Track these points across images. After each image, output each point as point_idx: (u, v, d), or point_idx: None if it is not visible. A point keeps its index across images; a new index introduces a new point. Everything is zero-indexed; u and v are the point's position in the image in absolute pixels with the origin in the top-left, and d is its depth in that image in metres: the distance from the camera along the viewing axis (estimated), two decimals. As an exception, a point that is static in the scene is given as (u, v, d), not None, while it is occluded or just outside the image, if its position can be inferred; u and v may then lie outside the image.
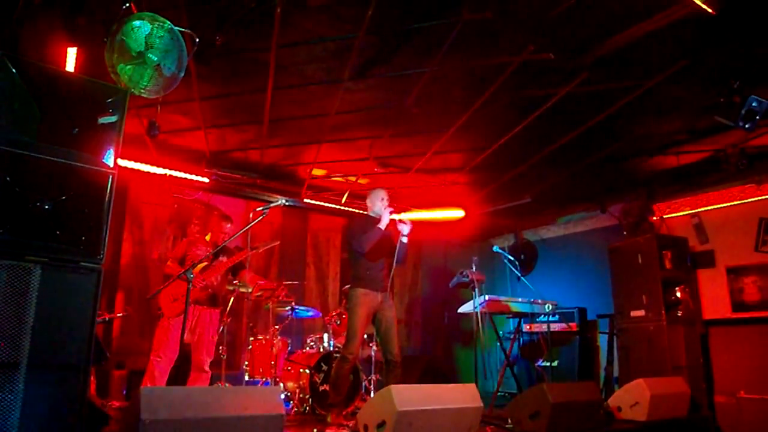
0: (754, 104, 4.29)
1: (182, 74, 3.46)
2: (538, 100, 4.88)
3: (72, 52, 3.70)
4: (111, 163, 2.61)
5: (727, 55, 4.18)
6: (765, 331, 5.92)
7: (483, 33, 3.96)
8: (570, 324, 7.35)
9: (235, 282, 5.33)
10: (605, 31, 3.94)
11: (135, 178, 6.38)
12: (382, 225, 4.38)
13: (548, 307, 6.18)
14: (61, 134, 2.49)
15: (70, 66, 3.73)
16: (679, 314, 6.09)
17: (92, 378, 4.57)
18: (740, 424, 5.76)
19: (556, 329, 7.41)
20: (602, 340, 7.23)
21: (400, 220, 4.43)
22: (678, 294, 6.15)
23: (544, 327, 7.26)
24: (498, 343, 6.52)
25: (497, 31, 3.96)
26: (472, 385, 3.52)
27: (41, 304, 2.26)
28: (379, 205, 4.60)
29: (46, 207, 2.37)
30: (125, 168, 6.02)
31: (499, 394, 6.07)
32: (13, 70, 2.39)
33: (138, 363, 5.71)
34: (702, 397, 5.76)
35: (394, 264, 4.51)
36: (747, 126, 4.38)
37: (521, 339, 7.58)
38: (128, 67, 3.24)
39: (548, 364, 7.30)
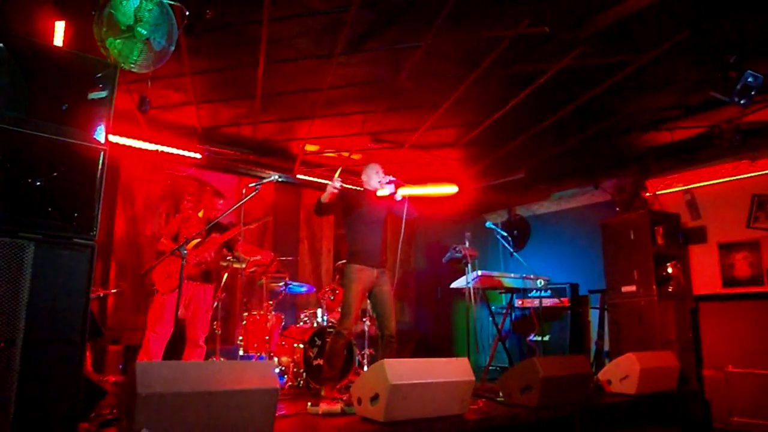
0: (749, 79, 4.27)
1: (173, 48, 3.41)
2: (532, 75, 4.85)
3: (60, 26, 3.64)
4: (102, 139, 2.59)
5: (723, 29, 4.15)
6: (754, 306, 5.99)
7: (477, 7, 3.92)
8: (562, 299, 7.42)
9: (229, 257, 5.33)
10: (601, 5, 3.90)
11: (126, 154, 6.33)
12: (324, 197, 4.29)
13: (540, 283, 6.23)
14: (50, 110, 2.46)
15: (58, 40, 3.67)
16: (670, 289, 6.15)
17: (88, 353, 4.59)
18: (728, 397, 5.86)
19: (548, 304, 7.47)
20: (593, 315, 7.31)
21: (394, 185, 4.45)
22: (669, 269, 6.20)
23: (536, 302, 7.33)
24: (490, 318, 6.59)
25: (491, 5, 3.92)
26: (465, 359, 3.56)
27: (35, 281, 2.26)
28: (374, 178, 4.60)
29: (38, 183, 2.36)
30: (116, 144, 5.97)
31: (491, 367, 6.14)
32: (1, 45, 2.35)
33: (133, 338, 5.74)
34: (691, 371, 5.85)
35: (402, 230, 4.51)
36: (742, 101, 4.36)
37: (513, 314, 7.65)
38: (117, 41, 3.19)
39: (540, 338, 7.38)
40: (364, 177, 4.72)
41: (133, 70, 3.37)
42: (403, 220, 4.48)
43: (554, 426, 3.77)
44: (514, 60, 4.62)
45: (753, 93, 4.33)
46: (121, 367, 5.74)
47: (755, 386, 5.72)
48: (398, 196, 4.46)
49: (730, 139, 5.76)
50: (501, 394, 4.10)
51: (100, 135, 2.58)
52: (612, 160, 7.19)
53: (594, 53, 4.45)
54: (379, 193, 4.56)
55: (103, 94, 2.62)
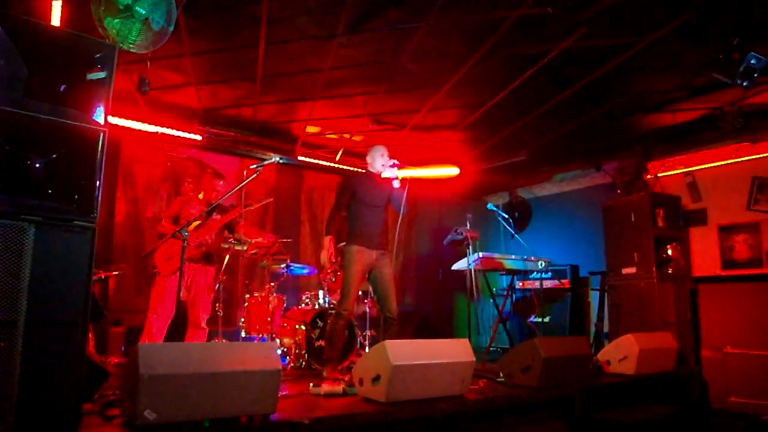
0: (752, 61, 4.23)
1: (171, 28, 3.38)
2: (534, 56, 4.81)
3: (57, 6, 3.61)
4: (101, 121, 2.57)
5: (727, 11, 4.10)
6: (753, 288, 6.01)
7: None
8: (562, 281, 7.45)
9: (230, 239, 5.34)
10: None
11: (126, 136, 6.31)
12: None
13: (541, 265, 6.24)
14: (49, 91, 2.44)
15: (56, 21, 3.64)
16: (670, 271, 6.17)
17: (90, 335, 4.62)
18: (725, 378, 5.91)
19: (549, 286, 7.51)
20: (593, 297, 7.34)
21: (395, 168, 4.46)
22: (669, 252, 6.22)
23: (537, 284, 7.36)
24: (491, 300, 6.60)
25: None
26: (465, 340, 3.58)
27: (36, 263, 2.26)
28: (379, 161, 4.60)
29: (38, 166, 2.35)
30: (116, 126, 5.95)
31: (491, 348, 6.18)
32: (-2, 25, 2.33)
33: (135, 320, 5.77)
34: (689, 352, 5.89)
35: (401, 214, 4.53)
36: (745, 83, 4.34)
37: (514, 295, 7.69)
38: (116, 21, 3.17)
39: (540, 319, 7.43)
40: (368, 159, 4.71)
41: (132, 50, 3.34)
42: (403, 205, 4.48)
43: (554, 406, 3.80)
44: (517, 41, 4.58)
45: (756, 75, 4.29)
46: (123, 348, 5.78)
47: (753, 367, 5.76)
48: (396, 183, 4.45)
49: (732, 121, 5.74)
50: (501, 374, 4.13)
51: (100, 116, 2.57)
52: (614, 142, 7.16)
53: (597, 34, 4.40)
54: (384, 175, 4.57)
55: (102, 75, 2.60)
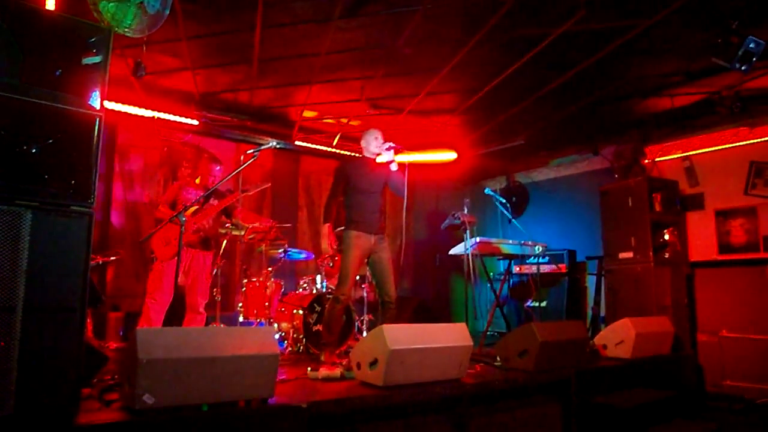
0: (751, 45, 4.22)
1: (167, 12, 3.35)
2: (533, 39, 4.78)
3: (51, -11, 3.56)
4: (97, 105, 2.55)
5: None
6: (748, 272, 6.04)
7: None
8: (559, 265, 7.47)
9: (227, 225, 5.34)
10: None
11: (123, 120, 6.28)
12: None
13: (538, 249, 6.26)
14: (44, 76, 2.42)
15: (50, 4, 3.60)
16: (667, 256, 6.19)
17: (89, 320, 4.63)
18: (721, 362, 5.97)
19: (546, 270, 7.53)
20: (590, 281, 7.37)
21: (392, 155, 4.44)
22: (666, 236, 6.24)
23: (534, 268, 7.38)
24: (488, 284, 6.62)
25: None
26: (463, 325, 3.59)
27: (34, 249, 2.26)
28: (373, 144, 4.57)
29: (33, 151, 2.34)
30: (112, 110, 5.92)
31: (488, 333, 6.20)
32: (-9, 8, 2.30)
33: (133, 305, 5.79)
34: (685, 336, 5.94)
35: (404, 199, 4.52)
36: (743, 67, 4.32)
37: (511, 280, 7.72)
38: (111, 4, 3.13)
39: (537, 304, 7.46)
40: (363, 143, 4.68)
41: (127, 34, 3.31)
42: (405, 189, 4.46)
43: (550, 389, 3.84)
44: (515, 25, 4.55)
45: (754, 59, 4.28)
46: (121, 333, 5.80)
47: (748, 351, 5.81)
48: (394, 166, 4.43)
49: (730, 105, 5.72)
50: (498, 358, 4.16)
51: (96, 101, 2.55)
52: (612, 126, 7.15)
53: (595, 18, 4.37)
54: (379, 159, 4.55)
55: (97, 59, 2.58)
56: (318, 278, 6.01)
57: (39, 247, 2.27)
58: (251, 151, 4.01)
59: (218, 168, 5.14)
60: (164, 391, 2.35)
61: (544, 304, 7.51)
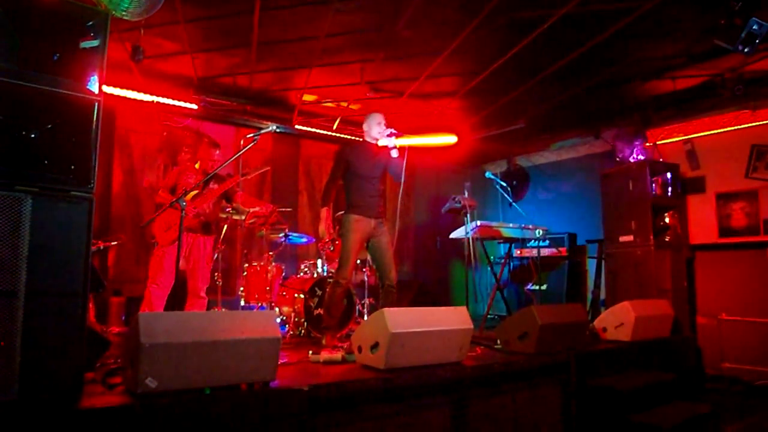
0: (754, 27, 4.17)
1: (165, -5, 3.32)
2: (534, 22, 4.74)
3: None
4: (96, 90, 2.54)
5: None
6: (748, 255, 6.06)
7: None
8: (560, 249, 7.48)
9: (228, 209, 5.34)
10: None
11: (122, 105, 6.25)
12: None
13: (539, 233, 6.26)
14: (42, 60, 2.40)
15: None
16: (667, 239, 6.19)
17: (91, 305, 4.65)
18: (720, 344, 6.00)
19: (546, 254, 7.55)
20: (591, 265, 7.39)
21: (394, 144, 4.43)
22: (667, 219, 6.23)
23: (534, 252, 7.39)
24: (489, 268, 6.64)
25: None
26: (463, 308, 3.60)
27: (35, 234, 2.26)
28: (375, 129, 4.54)
29: (33, 136, 2.33)
30: (111, 95, 5.88)
31: (489, 316, 6.24)
32: (-13, -8, 2.28)
33: (135, 290, 5.80)
34: (685, 319, 5.96)
35: (401, 183, 4.52)
36: (746, 50, 4.28)
37: (512, 263, 7.74)
38: (108, -13, 3.10)
39: (537, 287, 7.48)
40: (365, 127, 4.65)
41: (125, 17, 3.28)
42: (403, 173, 4.46)
43: (550, 372, 3.86)
44: (516, 6, 4.51)
45: (758, 41, 4.24)
46: (123, 318, 5.83)
47: (747, 333, 5.84)
48: (395, 153, 4.41)
49: (732, 88, 5.69)
50: (499, 341, 4.18)
51: (94, 85, 2.53)
52: (613, 109, 7.11)
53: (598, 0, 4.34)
54: (380, 143, 4.53)
55: (95, 43, 2.56)
56: (319, 262, 6.03)
57: (40, 232, 2.27)
58: (251, 135, 3.99)
59: (218, 152, 5.13)
60: (167, 374, 2.36)
61: (544, 287, 7.53)
